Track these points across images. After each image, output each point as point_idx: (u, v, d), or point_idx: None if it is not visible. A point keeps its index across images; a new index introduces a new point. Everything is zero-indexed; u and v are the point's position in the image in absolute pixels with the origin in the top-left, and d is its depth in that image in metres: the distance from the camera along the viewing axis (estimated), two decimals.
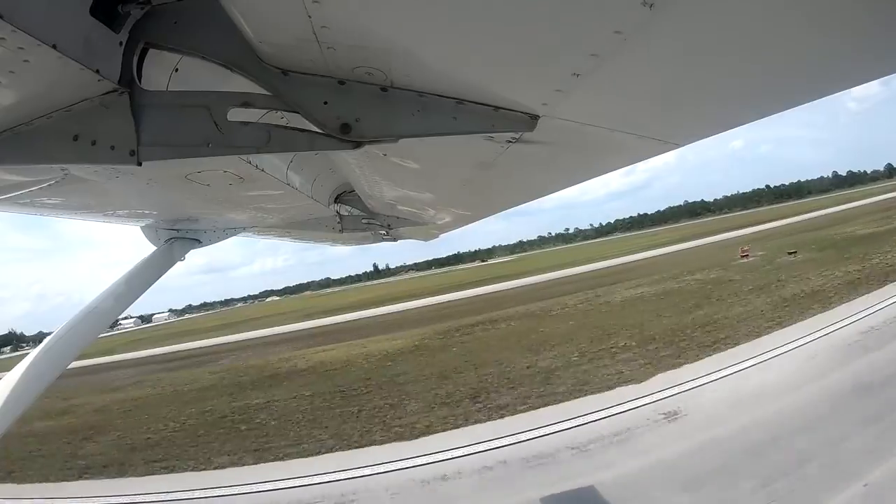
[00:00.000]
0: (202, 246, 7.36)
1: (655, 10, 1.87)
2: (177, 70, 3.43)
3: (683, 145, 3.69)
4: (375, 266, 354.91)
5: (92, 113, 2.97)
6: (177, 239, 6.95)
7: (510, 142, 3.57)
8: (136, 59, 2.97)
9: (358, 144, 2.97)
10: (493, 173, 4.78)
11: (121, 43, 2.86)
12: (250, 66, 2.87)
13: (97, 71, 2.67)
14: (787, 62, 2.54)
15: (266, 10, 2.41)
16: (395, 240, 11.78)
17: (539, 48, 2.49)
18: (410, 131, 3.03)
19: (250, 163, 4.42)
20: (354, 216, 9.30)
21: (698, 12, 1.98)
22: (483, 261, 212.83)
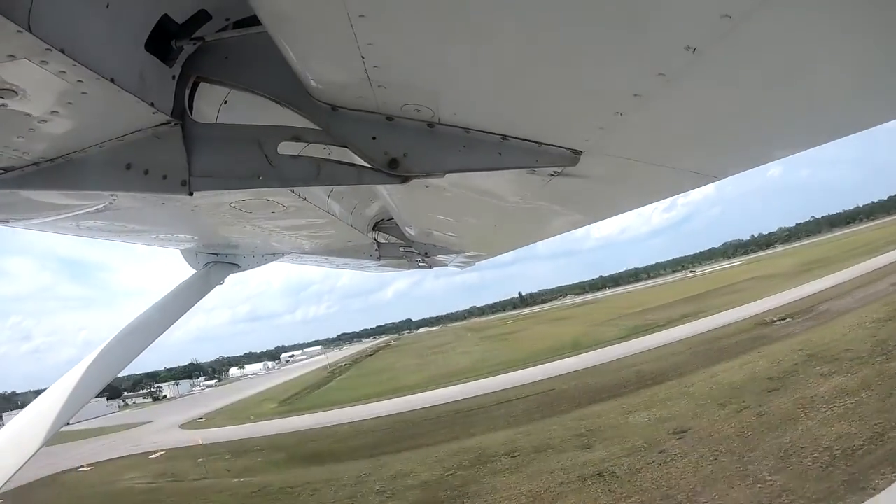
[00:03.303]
0: (241, 271, 7.42)
1: (698, 54, 1.91)
2: (226, 102, 3.49)
3: (722, 178, 3.73)
4: (520, 294, 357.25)
5: (145, 143, 3.04)
6: (216, 263, 7.02)
7: (552, 175, 3.57)
8: (188, 92, 3.04)
9: (405, 179, 2.98)
10: (535, 205, 4.77)
11: (174, 77, 2.93)
12: (300, 101, 2.91)
13: (152, 104, 2.74)
14: (824, 100, 2.58)
15: (319, 49, 2.44)
16: (430, 267, 11.78)
17: (584, 88, 2.53)
18: (456, 166, 3.04)
19: (293, 192, 4.47)
20: (392, 244, 9.32)
21: (739, 54, 1.99)
22: (691, 271, 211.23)
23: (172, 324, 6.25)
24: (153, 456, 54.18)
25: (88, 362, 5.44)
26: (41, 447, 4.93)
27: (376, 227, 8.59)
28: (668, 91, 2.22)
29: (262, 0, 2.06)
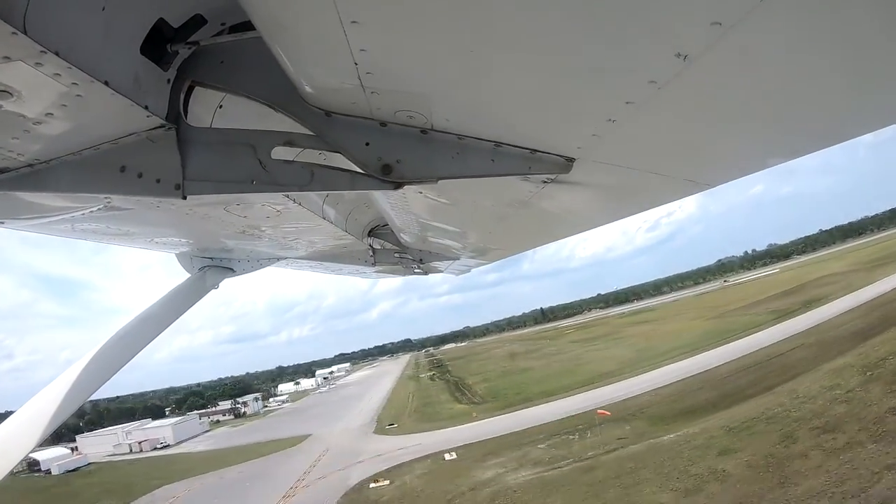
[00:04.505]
0: (236, 275, 7.41)
1: (689, 61, 1.93)
2: (221, 107, 3.51)
3: (715, 186, 3.72)
4: (542, 310, 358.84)
5: (139, 146, 3.04)
6: (210, 267, 7.00)
7: (546, 182, 3.58)
8: (182, 96, 3.05)
9: (399, 185, 3.00)
10: (529, 212, 4.78)
11: (168, 80, 2.94)
12: (294, 107, 2.92)
13: (146, 107, 2.75)
14: (815, 107, 2.60)
15: (313, 55, 2.45)
16: (426, 273, 11.77)
17: (576, 96, 2.54)
18: (450, 173, 3.05)
19: (288, 196, 4.48)
20: (387, 250, 9.31)
21: (730, 61, 2.01)
22: (725, 280, 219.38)
23: (167, 327, 6.22)
24: (449, 457, 53.81)
25: (84, 364, 5.42)
26: (35, 447, 5.00)
27: (371, 232, 8.59)
28: (659, 98, 2.23)
29: (257, 5, 2.07)
